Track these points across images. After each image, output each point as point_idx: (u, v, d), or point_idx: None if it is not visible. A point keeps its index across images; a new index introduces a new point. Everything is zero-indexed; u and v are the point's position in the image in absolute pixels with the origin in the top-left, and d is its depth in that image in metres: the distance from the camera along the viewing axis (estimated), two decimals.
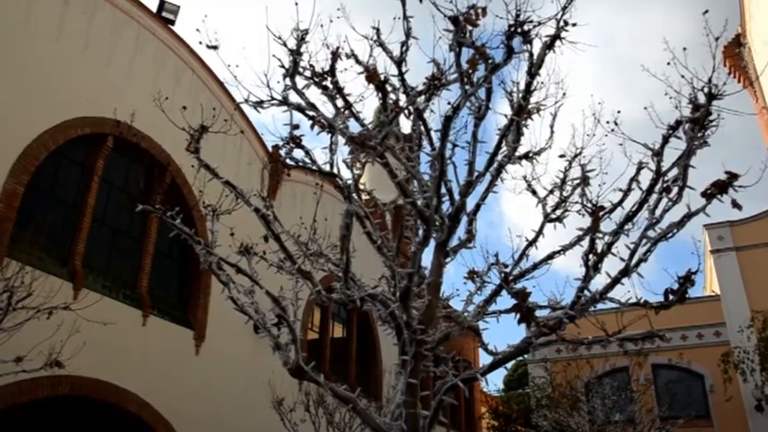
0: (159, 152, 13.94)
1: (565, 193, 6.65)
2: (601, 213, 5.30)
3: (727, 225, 27.63)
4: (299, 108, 5.49)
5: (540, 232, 6.50)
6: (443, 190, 5.50)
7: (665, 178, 5.37)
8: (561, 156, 6.70)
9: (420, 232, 5.44)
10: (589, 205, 5.86)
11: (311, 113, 5.45)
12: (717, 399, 25.37)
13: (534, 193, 6.72)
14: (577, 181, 6.35)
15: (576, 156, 6.66)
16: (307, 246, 6.58)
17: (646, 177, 5.90)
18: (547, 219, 6.58)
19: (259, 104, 5.77)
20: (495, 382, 21.61)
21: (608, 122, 5.88)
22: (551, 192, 6.79)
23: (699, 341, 26.20)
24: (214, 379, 14.26)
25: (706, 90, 5.13)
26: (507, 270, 5.41)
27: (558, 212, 6.72)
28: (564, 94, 6.57)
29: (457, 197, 5.55)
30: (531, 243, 6.41)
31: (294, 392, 13.53)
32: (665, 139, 5.42)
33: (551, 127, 6.71)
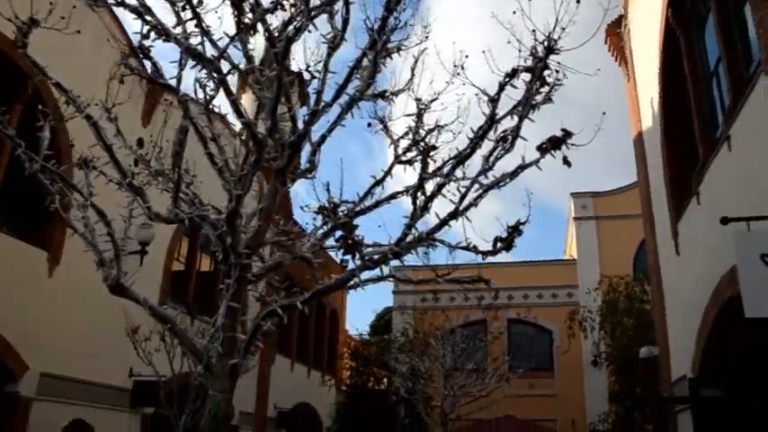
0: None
1: (417, 137, 6.65)
2: (431, 153, 5.36)
3: (590, 195, 29.38)
4: (135, 10, 5.16)
5: (387, 172, 6.51)
6: (287, 117, 5.39)
7: (505, 129, 5.48)
8: (417, 99, 6.71)
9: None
10: (422, 144, 5.91)
11: (149, 19, 5.14)
12: (560, 354, 27.29)
13: (387, 132, 6.69)
14: (429, 127, 6.38)
15: (432, 101, 6.68)
16: (149, 163, 6.28)
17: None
18: (397, 160, 6.60)
19: (94, 2, 5.40)
20: (359, 327, 22.16)
21: (455, 66, 5.93)
22: (405, 134, 6.79)
23: (553, 300, 27.89)
24: (67, 304, 13.60)
25: (546, 44, 5.26)
26: (336, 201, 5.38)
27: (410, 155, 6.73)
28: (427, 36, 6.54)
29: (301, 126, 5.46)
30: (378, 182, 6.42)
31: (150, 321, 13.16)
32: (501, 87, 5.54)
33: (412, 69, 6.68)
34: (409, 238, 5.03)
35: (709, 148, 9.05)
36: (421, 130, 6.71)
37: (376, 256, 4.87)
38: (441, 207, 5.36)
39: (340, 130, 6.77)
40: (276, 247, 5.56)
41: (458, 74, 5.90)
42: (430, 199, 4.98)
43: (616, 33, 15.15)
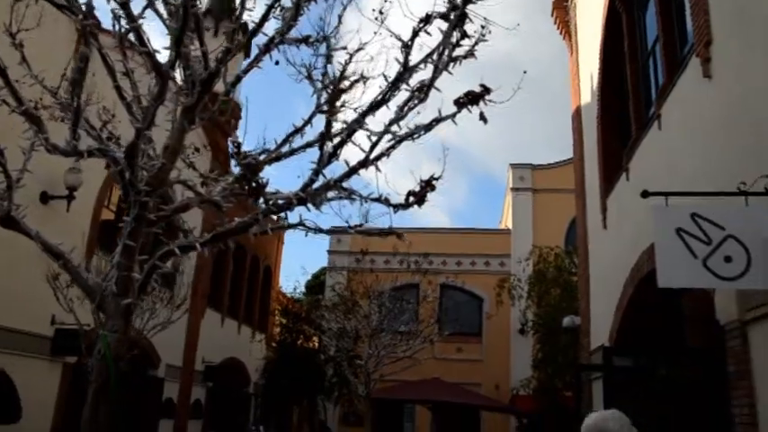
0: None
1: (342, 87, 6.37)
2: (338, 97, 5.16)
3: (529, 167, 29.88)
4: None
5: (308, 122, 6.22)
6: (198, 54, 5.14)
7: (423, 81, 5.31)
8: (343, 48, 6.47)
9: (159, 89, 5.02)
10: (331, 88, 5.68)
11: None
12: (490, 320, 27.97)
13: (311, 81, 6.39)
14: (355, 77, 6.13)
15: (357, 50, 6.42)
16: (55, 95, 5.92)
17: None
18: (318, 110, 6.32)
19: None
20: (297, 286, 22.07)
21: (373, 11, 5.73)
22: (327, 85, 6.48)
23: (485, 268, 28.43)
24: None
25: None
26: (240, 141, 5.14)
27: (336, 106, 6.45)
28: None
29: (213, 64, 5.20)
30: (298, 131, 6.15)
31: None
32: (415, 33, 5.39)
33: (339, 17, 6.40)
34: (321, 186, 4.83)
35: (641, 126, 9.27)
36: (345, 81, 6.43)
37: (281, 201, 4.67)
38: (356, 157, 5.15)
39: (288, 85, 6.48)
40: (184, 188, 5.30)
41: (377, 20, 5.68)
42: (339, 146, 4.79)
43: (563, 6, 15.24)
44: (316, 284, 38.13)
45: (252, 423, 25.89)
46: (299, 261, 73.40)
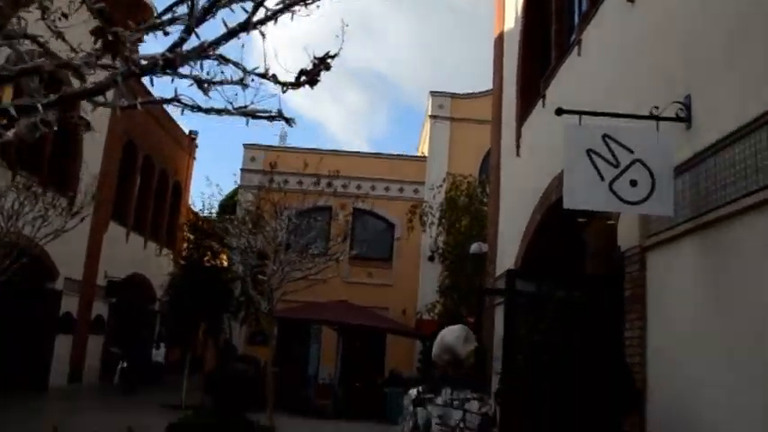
0: None
1: None
2: None
3: (449, 96, 29.75)
4: None
5: None
6: None
7: None
8: None
9: None
10: None
11: None
12: (400, 246, 28.26)
13: None
14: None
15: None
16: None
17: None
18: None
19: None
20: (207, 204, 21.24)
21: None
22: None
23: (399, 194, 28.48)
24: None
25: None
26: None
27: None
28: None
29: None
30: None
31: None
32: None
33: None
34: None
35: (561, 53, 9.17)
36: None
37: (144, 62, 3.99)
38: None
39: None
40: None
41: None
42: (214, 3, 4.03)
43: None
44: (229, 204, 37.46)
45: (155, 340, 25.55)
46: (214, 180, 71.46)
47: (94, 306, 22.29)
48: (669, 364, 4.83)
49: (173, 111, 27.15)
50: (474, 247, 14.90)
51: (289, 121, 4.25)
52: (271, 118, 4.19)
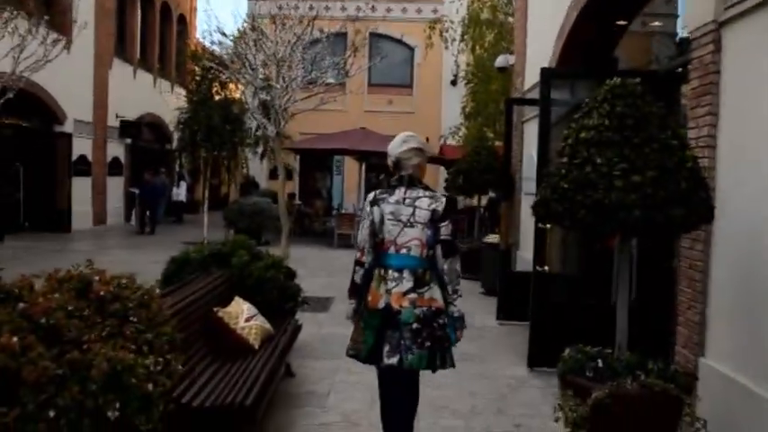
0: None
1: None
2: None
3: None
4: None
5: None
6: None
7: None
8: None
9: None
10: None
11: None
12: (421, 72, 26.86)
13: None
14: None
15: None
16: None
17: None
18: None
19: None
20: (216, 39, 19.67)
21: None
22: None
23: (417, 15, 26.60)
24: None
25: None
26: None
27: None
28: None
29: None
30: None
31: None
32: None
33: None
34: None
35: None
36: None
37: None
38: None
39: None
40: None
41: None
42: None
43: None
44: (239, 37, 35.72)
45: (177, 177, 25.26)
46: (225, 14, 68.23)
47: (109, 148, 21.78)
48: (748, 168, 3.97)
49: None
50: (500, 60, 13.69)
51: None
52: None
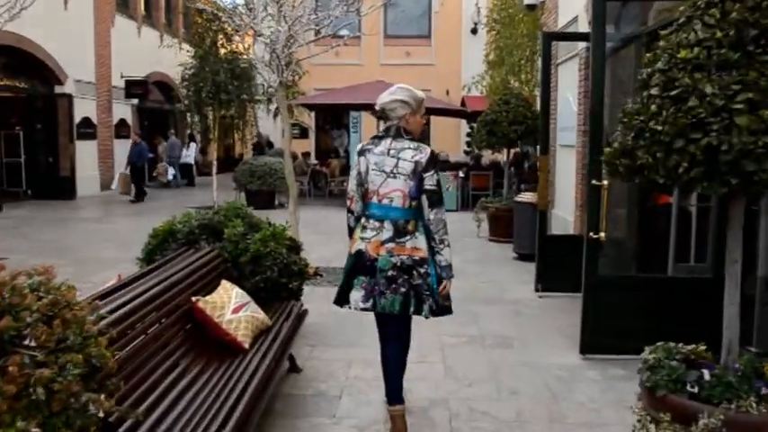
0: None
1: None
2: None
3: None
4: None
5: None
6: None
7: None
8: None
9: None
10: None
11: None
12: (439, 21, 25.43)
13: None
14: None
15: None
16: None
17: None
18: None
19: None
20: None
21: None
22: None
23: None
24: None
25: None
26: None
27: None
28: None
29: None
30: None
31: None
32: None
33: None
34: None
35: None
36: None
37: None
38: None
39: None
40: None
41: None
42: None
43: None
44: None
45: (188, 139, 24.29)
46: None
47: (115, 109, 20.83)
48: None
49: None
50: None
51: None
52: None
